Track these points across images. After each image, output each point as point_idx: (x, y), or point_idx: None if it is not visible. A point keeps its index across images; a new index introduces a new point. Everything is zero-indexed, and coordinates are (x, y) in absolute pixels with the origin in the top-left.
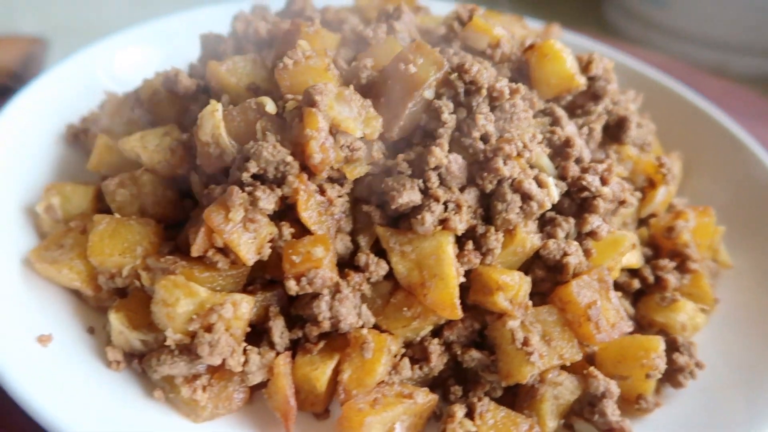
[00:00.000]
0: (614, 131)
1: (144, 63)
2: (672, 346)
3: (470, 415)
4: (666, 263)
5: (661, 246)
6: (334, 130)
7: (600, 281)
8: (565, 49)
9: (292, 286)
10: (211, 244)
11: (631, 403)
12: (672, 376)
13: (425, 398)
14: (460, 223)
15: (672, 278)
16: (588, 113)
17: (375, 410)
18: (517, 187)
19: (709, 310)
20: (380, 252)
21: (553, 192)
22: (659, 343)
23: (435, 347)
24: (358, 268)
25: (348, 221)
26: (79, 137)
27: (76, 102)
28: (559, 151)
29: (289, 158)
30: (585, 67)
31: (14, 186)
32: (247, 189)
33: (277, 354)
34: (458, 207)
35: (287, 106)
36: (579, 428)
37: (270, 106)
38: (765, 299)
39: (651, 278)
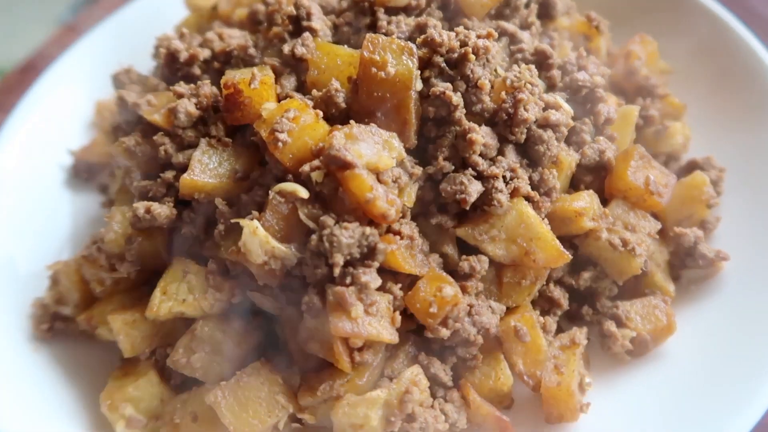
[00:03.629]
0: (543, 13)
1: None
2: (697, 167)
3: (620, 324)
4: (643, 102)
5: (626, 88)
6: (374, 174)
7: (641, 157)
8: None
9: (444, 333)
10: (352, 350)
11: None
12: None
13: (582, 336)
14: (526, 184)
15: (655, 112)
16: (516, 9)
17: (567, 375)
18: (543, 123)
19: (683, 115)
20: (463, 248)
21: (567, 107)
22: (703, 177)
23: (557, 292)
24: (464, 276)
25: (425, 241)
26: (61, 327)
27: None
28: (540, 65)
29: (368, 229)
30: None
31: (62, 409)
32: (347, 280)
33: (455, 389)
34: (514, 171)
35: (314, 178)
36: (685, 275)
37: (303, 192)
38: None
39: (640, 121)
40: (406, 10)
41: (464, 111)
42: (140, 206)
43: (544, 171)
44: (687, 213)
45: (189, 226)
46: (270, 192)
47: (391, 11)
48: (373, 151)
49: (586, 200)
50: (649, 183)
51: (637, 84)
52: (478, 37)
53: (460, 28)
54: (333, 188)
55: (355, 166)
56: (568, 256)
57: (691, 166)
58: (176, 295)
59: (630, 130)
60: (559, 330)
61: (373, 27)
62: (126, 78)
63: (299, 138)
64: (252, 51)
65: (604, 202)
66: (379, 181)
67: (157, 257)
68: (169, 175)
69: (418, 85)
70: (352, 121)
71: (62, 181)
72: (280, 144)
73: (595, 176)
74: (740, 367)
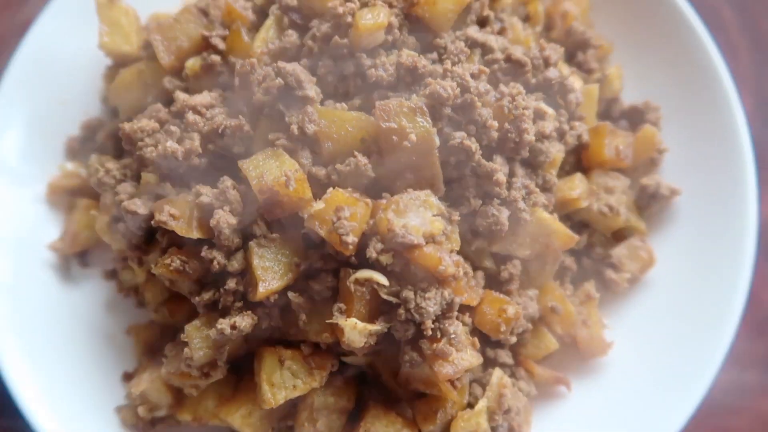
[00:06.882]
0: None
1: None
2: (639, 114)
3: (616, 270)
4: (584, 56)
5: (566, 44)
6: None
7: (610, 132)
8: None
9: (513, 339)
10: (452, 381)
11: None
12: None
13: (593, 289)
14: (541, 197)
15: (595, 65)
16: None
17: (593, 326)
18: (540, 137)
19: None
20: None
21: (551, 111)
22: (653, 130)
23: (568, 260)
24: (505, 282)
25: (468, 266)
26: (162, 424)
27: None
28: (515, 73)
29: (446, 292)
30: None
31: None
32: (437, 335)
33: (518, 366)
34: (528, 188)
35: (383, 260)
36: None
37: (382, 279)
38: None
39: (585, 76)
40: (385, 45)
41: (480, 152)
42: (224, 325)
43: (545, 174)
44: (643, 159)
45: (266, 320)
46: (348, 284)
47: (372, 54)
48: (423, 219)
49: (579, 187)
50: (619, 152)
51: (575, 41)
52: (472, 76)
53: (448, 64)
54: (403, 265)
55: (422, 246)
56: (577, 237)
57: (633, 112)
58: (283, 383)
59: (594, 107)
60: None
61: (362, 75)
62: (109, 179)
63: (357, 233)
64: (246, 128)
65: (584, 170)
66: (434, 242)
67: (240, 350)
68: (231, 284)
69: (437, 141)
70: (396, 197)
71: (57, 280)
72: (350, 247)
73: (575, 156)
74: (716, 266)
